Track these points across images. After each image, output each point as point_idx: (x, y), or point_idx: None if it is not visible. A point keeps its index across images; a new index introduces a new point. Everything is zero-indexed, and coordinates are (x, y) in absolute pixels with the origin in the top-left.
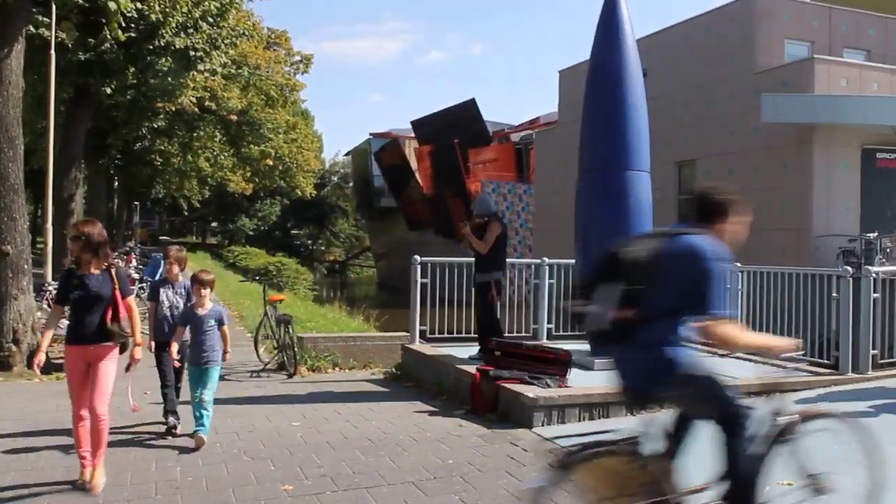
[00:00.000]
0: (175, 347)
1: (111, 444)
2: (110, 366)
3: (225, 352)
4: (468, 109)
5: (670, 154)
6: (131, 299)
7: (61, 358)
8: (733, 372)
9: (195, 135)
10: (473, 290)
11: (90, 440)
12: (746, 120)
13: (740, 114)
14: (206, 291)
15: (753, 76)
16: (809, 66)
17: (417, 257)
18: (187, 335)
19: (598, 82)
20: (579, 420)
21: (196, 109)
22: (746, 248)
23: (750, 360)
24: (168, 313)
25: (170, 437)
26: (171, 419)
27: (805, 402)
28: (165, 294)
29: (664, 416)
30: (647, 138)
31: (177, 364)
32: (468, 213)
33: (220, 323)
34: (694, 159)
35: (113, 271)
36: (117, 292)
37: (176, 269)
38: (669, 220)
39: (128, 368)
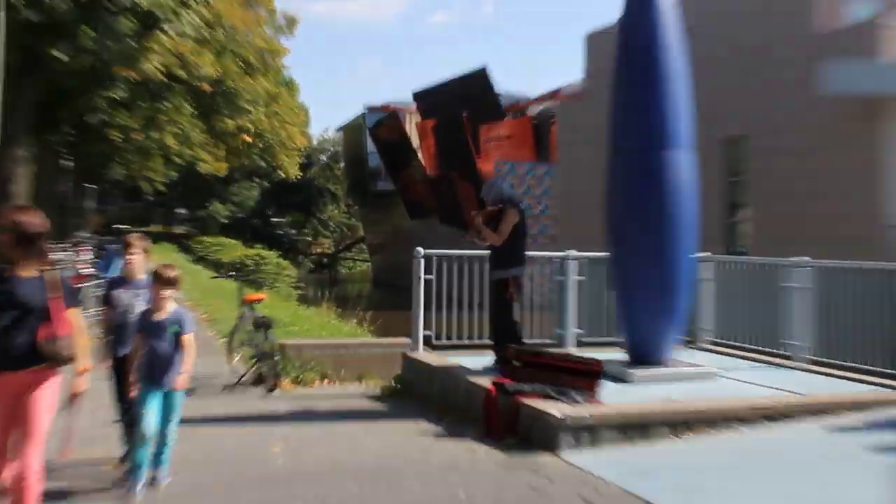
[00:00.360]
0: (134, 367)
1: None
2: (46, 398)
3: (183, 371)
4: (478, 79)
5: (717, 129)
6: (75, 311)
7: None
8: (798, 386)
9: (161, 107)
10: (488, 288)
11: None
12: (805, 90)
13: (798, 82)
14: (167, 292)
15: (812, 39)
16: (877, 29)
17: (420, 249)
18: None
19: (630, 46)
20: (614, 444)
21: (162, 77)
22: (806, 239)
23: (822, 374)
24: (125, 320)
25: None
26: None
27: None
28: (121, 295)
29: None
30: (688, 112)
31: (133, 392)
32: (479, 199)
33: (179, 331)
34: (745, 135)
35: (52, 274)
36: (55, 301)
37: (137, 261)
38: (715, 205)
39: (71, 401)
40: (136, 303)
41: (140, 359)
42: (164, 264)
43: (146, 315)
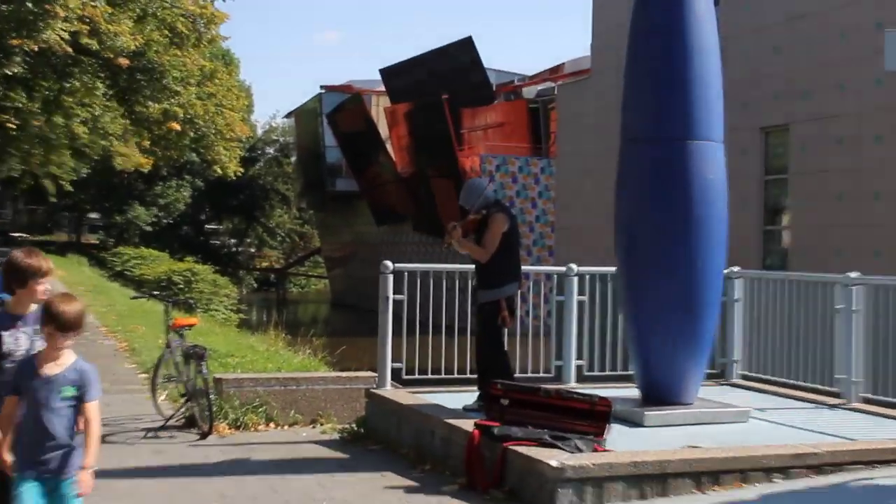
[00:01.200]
0: (5, 446)
1: None
2: None
3: (86, 463)
4: (462, 53)
5: (753, 117)
6: None
7: None
8: (847, 430)
9: (67, 86)
10: (472, 312)
11: None
12: (864, 69)
13: (854, 60)
14: (64, 339)
15: (874, 6)
16: None
17: (388, 263)
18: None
19: (649, 14)
20: (624, 500)
21: (69, 50)
22: (860, 251)
23: (877, 415)
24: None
25: None
26: None
27: None
28: (14, 338)
29: None
30: (719, 94)
31: (9, 471)
32: (460, 208)
33: (80, 396)
34: (786, 125)
35: None
36: None
37: (38, 288)
38: (752, 206)
39: None
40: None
41: (17, 431)
42: (62, 294)
43: (29, 367)
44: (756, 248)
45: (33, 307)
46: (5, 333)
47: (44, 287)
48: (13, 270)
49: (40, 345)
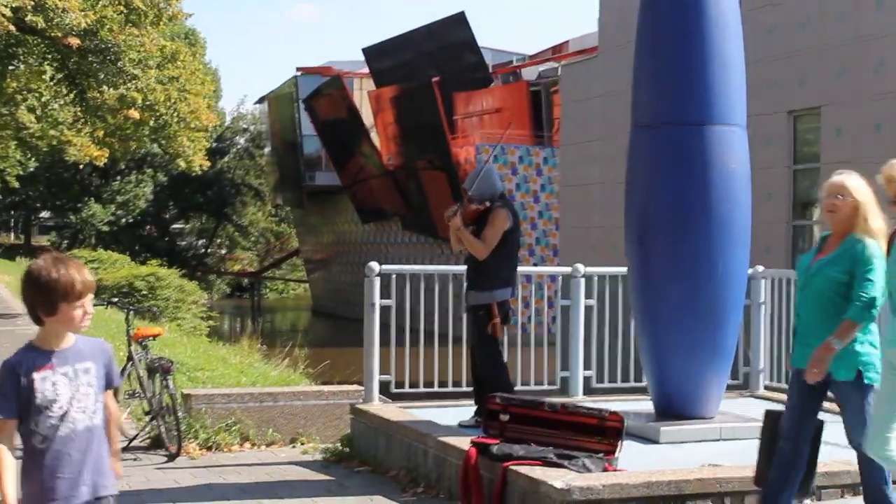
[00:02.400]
0: None
1: None
2: None
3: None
4: (455, 30)
5: (779, 99)
6: None
7: None
8: None
9: (10, 70)
10: (465, 317)
11: None
12: None
13: (893, 33)
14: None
15: None
16: None
17: (374, 265)
18: None
19: None
20: None
21: (11, 28)
22: None
23: None
24: (63, 433)
25: None
26: None
27: None
28: (49, 384)
29: None
30: (741, 75)
31: None
32: (457, 196)
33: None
34: (817, 107)
35: None
36: None
37: (76, 315)
38: (779, 198)
39: None
40: (79, 397)
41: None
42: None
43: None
44: (783, 246)
45: (72, 339)
46: (37, 377)
47: (83, 310)
48: (36, 290)
49: (92, 391)
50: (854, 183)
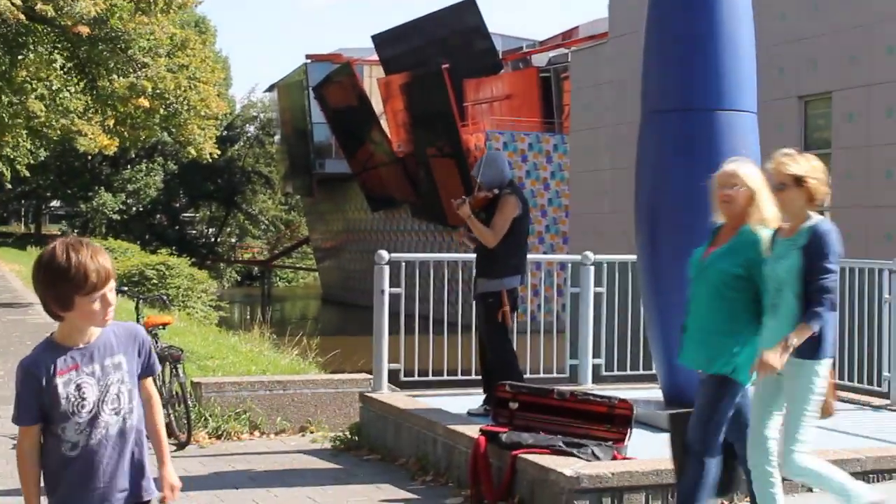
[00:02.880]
0: None
1: None
2: None
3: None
4: (464, 16)
5: (790, 84)
6: None
7: None
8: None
9: (20, 59)
10: (474, 304)
11: None
12: None
13: None
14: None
15: None
16: None
17: (384, 253)
18: None
19: None
20: None
21: (21, 17)
22: None
23: None
24: (94, 439)
25: None
26: None
27: None
28: (74, 386)
29: None
30: (752, 60)
31: None
32: (466, 184)
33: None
34: (828, 92)
35: None
36: None
37: (94, 307)
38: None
39: None
40: (105, 396)
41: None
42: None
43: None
44: None
45: (96, 332)
46: (59, 381)
47: (103, 302)
48: (49, 280)
49: (126, 389)
50: (747, 171)
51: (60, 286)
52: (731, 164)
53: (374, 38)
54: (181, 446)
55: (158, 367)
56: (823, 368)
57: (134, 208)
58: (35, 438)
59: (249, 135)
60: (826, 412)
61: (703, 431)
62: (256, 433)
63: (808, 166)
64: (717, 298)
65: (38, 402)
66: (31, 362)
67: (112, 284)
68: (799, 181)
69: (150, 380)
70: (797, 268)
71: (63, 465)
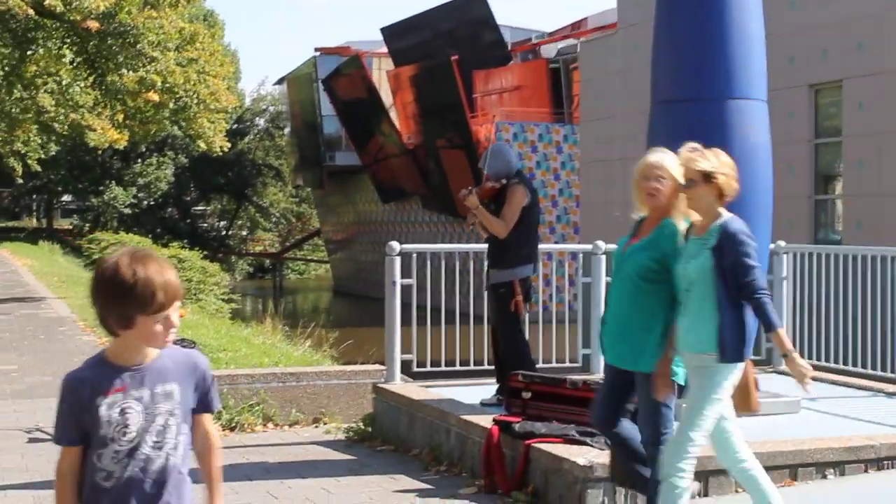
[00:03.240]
0: None
1: None
2: None
3: None
4: (473, 7)
5: (800, 73)
6: None
7: None
8: None
9: (29, 54)
10: (486, 295)
11: None
12: None
13: None
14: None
15: None
16: None
17: (395, 245)
18: None
19: None
20: None
21: (29, 12)
22: None
23: None
24: (131, 472)
25: None
26: None
27: None
28: (117, 411)
29: None
30: (762, 49)
31: None
32: (476, 175)
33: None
34: (838, 80)
35: None
36: None
37: (157, 329)
38: (801, 172)
39: None
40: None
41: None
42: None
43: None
44: (806, 220)
45: (152, 354)
46: (103, 401)
47: (166, 324)
48: (107, 297)
49: (174, 422)
50: (672, 163)
51: (122, 303)
52: (655, 156)
53: (383, 30)
54: None
55: (219, 404)
56: (737, 374)
57: (145, 202)
58: (74, 460)
59: (259, 128)
60: (751, 408)
61: (653, 427)
62: (270, 425)
63: (716, 162)
64: (635, 292)
65: (78, 422)
66: (75, 378)
67: (178, 304)
68: (707, 177)
69: (208, 417)
70: (707, 268)
71: (95, 496)
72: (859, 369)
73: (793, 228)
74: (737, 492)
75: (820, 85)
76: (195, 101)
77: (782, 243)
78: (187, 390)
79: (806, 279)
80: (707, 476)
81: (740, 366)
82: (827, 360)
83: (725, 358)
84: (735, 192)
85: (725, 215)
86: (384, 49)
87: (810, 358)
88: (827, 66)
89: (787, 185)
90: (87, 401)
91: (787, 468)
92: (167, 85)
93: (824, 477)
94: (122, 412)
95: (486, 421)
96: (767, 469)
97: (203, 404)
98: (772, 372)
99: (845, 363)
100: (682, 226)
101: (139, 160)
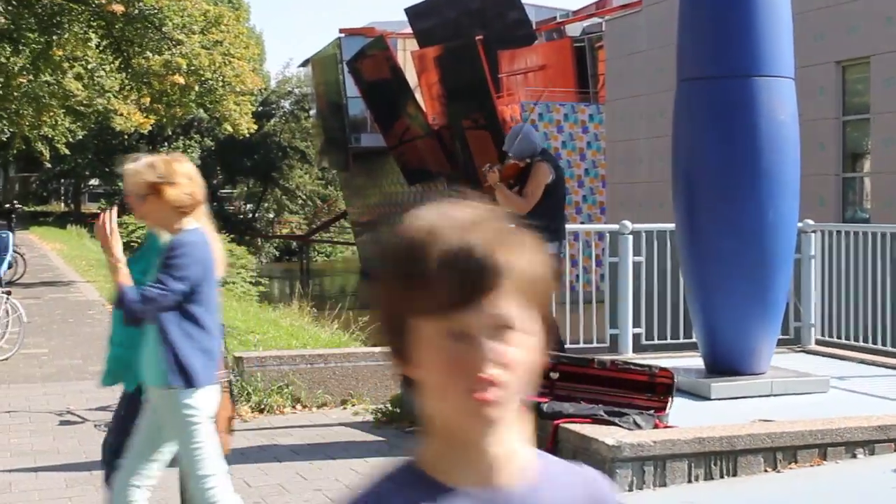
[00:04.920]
0: None
1: None
2: None
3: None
4: None
5: (827, 50)
6: None
7: None
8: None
9: (56, 38)
10: None
11: None
12: None
13: None
14: None
15: None
16: None
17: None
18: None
19: None
20: (690, 480)
21: None
22: None
23: None
24: None
25: None
26: None
27: None
28: None
29: None
30: (789, 26)
31: None
32: (503, 156)
33: None
34: (867, 58)
35: None
36: None
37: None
38: (829, 150)
39: None
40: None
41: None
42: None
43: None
44: (834, 198)
45: (519, 467)
46: None
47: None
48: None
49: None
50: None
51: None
52: (135, 165)
53: (407, 10)
54: None
55: None
56: (198, 398)
57: None
58: None
59: (285, 110)
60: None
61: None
62: (298, 407)
63: (164, 171)
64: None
65: None
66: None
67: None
68: (156, 189)
69: None
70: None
71: None
72: (888, 348)
73: (820, 207)
74: (765, 471)
75: (847, 62)
76: (221, 83)
77: (810, 221)
78: None
79: (834, 257)
80: (736, 456)
81: (207, 390)
82: (856, 339)
83: (188, 382)
84: (193, 201)
85: (187, 227)
86: (409, 30)
87: (839, 337)
88: (855, 42)
89: (815, 163)
90: None
91: (817, 447)
92: (192, 67)
93: (854, 456)
94: None
95: None
96: (797, 448)
97: None
98: (800, 351)
99: (874, 342)
100: (163, 238)
101: (165, 144)
